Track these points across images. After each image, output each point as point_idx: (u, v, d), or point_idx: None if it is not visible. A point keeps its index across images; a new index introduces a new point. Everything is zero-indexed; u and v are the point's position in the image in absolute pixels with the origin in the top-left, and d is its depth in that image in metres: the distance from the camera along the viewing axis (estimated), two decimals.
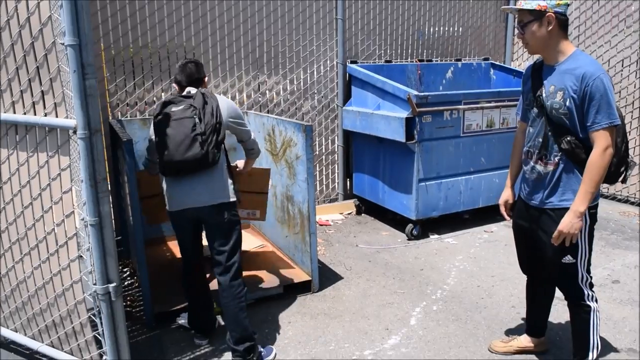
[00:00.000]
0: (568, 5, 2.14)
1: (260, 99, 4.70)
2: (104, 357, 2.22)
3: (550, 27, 2.11)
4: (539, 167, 2.26)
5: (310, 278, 3.40)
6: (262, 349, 2.68)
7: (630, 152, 5.17)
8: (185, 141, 2.37)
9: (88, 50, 1.94)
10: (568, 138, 2.15)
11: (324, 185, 5.20)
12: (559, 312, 3.14)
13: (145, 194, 2.94)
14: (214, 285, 2.80)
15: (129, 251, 3.80)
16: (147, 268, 2.91)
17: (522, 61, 6.00)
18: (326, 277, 3.63)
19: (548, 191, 2.25)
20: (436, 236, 4.45)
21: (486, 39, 5.93)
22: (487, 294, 3.39)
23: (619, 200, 5.36)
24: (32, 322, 2.46)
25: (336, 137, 5.12)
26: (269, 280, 3.39)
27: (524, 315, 2.77)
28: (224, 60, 4.46)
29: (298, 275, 3.47)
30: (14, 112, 2.23)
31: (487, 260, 3.92)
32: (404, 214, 4.39)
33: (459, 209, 4.48)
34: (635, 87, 5.07)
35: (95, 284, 2.13)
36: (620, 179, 2.29)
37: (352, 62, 4.93)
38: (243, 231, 4.14)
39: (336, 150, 5.16)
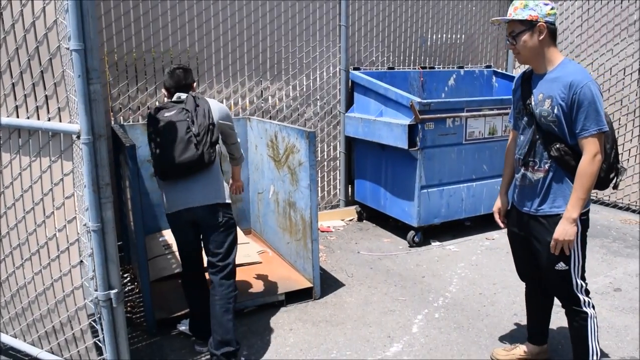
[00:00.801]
0: (556, 15, 2.18)
1: (263, 104, 4.70)
2: None
3: (541, 37, 2.15)
4: (530, 175, 2.29)
5: (311, 285, 3.39)
6: None
7: (633, 159, 5.23)
8: (180, 145, 2.41)
9: (93, 54, 1.94)
10: (557, 145, 2.17)
11: (326, 192, 5.19)
12: (561, 319, 3.12)
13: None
14: None
15: (130, 257, 3.78)
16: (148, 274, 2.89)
17: (523, 69, 6.00)
18: (327, 284, 3.62)
19: (539, 198, 2.27)
20: (438, 243, 4.44)
21: (488, 47, 5.95)
22: (489, 301, 3.38)
23: (620, 208, 5.35)
24: (32, 328, 2.44)
25: (338, 144, 5.12)
26: (270, 287, 3.37)
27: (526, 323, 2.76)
28: (227, 66, 4.46)
29: (299, 282, 3.45)
30: (18, 117, 2.22)
31: (489, 268, 3.91)
32: (405, 221, 4.37)
33: (460, 216, 4.47)
34: (636, 95, 5.08)
35: (96, 290, 2.12)
36: (611, 184, 2.31)
37: (354, 69, 4.93)
38: (245, 237, 4.15)
39: (338, 156, 5.15)
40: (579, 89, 2.06)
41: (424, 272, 3.85)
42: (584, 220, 2.24)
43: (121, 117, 4.09)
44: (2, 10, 2.13)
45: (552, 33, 2.17)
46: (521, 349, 2.69)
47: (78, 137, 2.00)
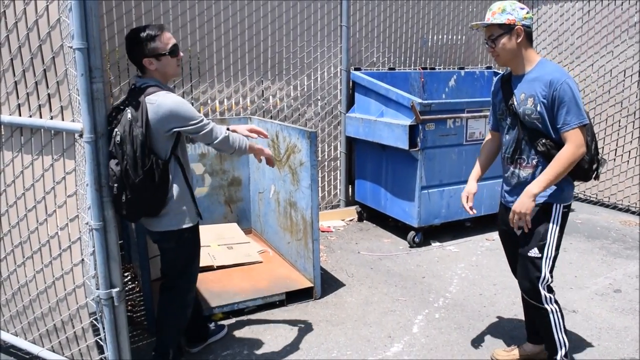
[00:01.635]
0: (532, 18, 2.30)
1: (264, 104, 4.71)
2: None
3: (519, 39, 2.25)
4: (519, 171, 2.38)
5: (312, 285, 3.39)
6: None
7: (633, 161, 5.23)
8: None
9: (96, 53, 1.94)
10: (543, 140, 2.27)
11: (326, 192, 5.19)
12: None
13: None
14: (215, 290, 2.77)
15: (130, 256, 3.78)
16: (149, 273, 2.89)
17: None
18: (328, 283, 3.62)
19: None
20: (438, 244, 4.44)
21: None
22: (489, 302, 3.38)
23: (620, 210, 5.36)
24: (33, 326, 2.44)
25: (339, 144, 5.13)
26: (271, 287, 3.37)
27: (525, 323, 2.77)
28: (228, 66, 4.46)
29: (300, 281, 3.46)
30: (20, 115, 2.23)
31: (489, 269, 3.91)
32: (406, 221, 4.38)
33: (461, 216, 4.47)
34: (636, 96, 5.08)
35: (98, 289, 2.12)
36: (594, 175, 2.39)
37: (355, 69, 4.94)
38: (246, 237, 4.15)
39: (339, 156, 5.16)
40: (559, 86, 2.16)
41: (424, 273, 3.86)
42: (564, 214, 2.33)
43: None
44: (5, 9, 2.13)
45: (528, 35, 2.28)
46: (522, 349, 2.70)
47: (80, 136, 2.01)
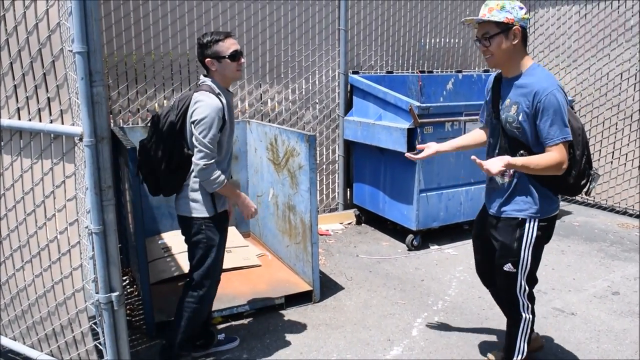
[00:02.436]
0: (529, 20, 2.18)
1: (262, 108, 4.71)
2: None
3: (515, 41, 2.14)
4: (498, 178, 2.33)
5: (311, 288, 3.39)
6: None
7: (630, 164, 5.25)
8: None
9: (96, 57, 1.94)
10: (522, 151, 2.20)
11: (324, 195, 5.20)
12: (560, 323, 3.14)
13: None
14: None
15: (129, 259, 3.77)
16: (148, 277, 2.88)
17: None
18: (327, 287, 3.62)
19: (503, 201, 2.32)
20: (436, 247, 4.45)
21: None
22: (488, 305, 3.38)
23: (617, 212, 5.38)
24: (31, 331, 2.43)
25: (337, 147, 5.13)
26: (270, 290, 3.37)
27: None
28: None
29: (299, 285, 3.45)
30: (19, 119, 2.22)
31: None
32: (404, 225, 4.38)
33: (459, 219, 4.48)
34: (633, 99, 5.11)
35: (97, 293, 2.11)
36: (585, 190, 2.33)
37: (354, 73, 4.95)
38: (244, 240, 4.15)
39: (337, 160, 5.16)
40: (544, 97, 2.07)
41: (423, 276, 3.86)
42: (542, 227, 2.27)
43: (121, 120, 4.09)
44: (5, 12, 2.13)
45: (524, 37, 2.18)
46: None
47: (80, 140, 2.00)
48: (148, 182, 2.50)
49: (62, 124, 2.11)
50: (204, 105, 2.30)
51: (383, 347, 2.88)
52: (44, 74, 2.10)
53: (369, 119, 4.56)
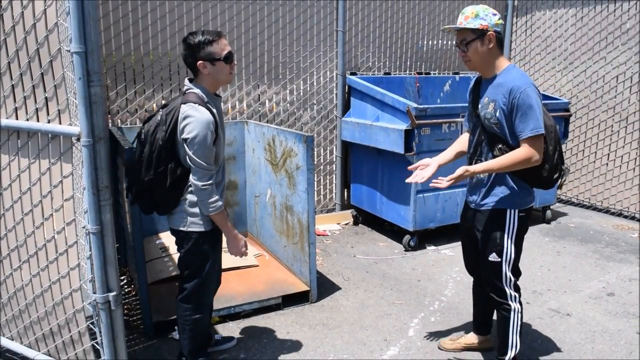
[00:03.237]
0: (502, 24, 2.33)
1: (260, 108, 4.72)
2: None
3: (490, 45, 2.28)
4: None
5: (308, 288, 3.40)
6: None
7: (625, 166, 5.29)
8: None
9: (94, 57, 1.94)
10: (500, 146, 2.31)
11: (322, 196, 5.20)
12: (555, 324, 3.15)
13: None
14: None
15: (126, 259, 3.77)
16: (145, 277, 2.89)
17: None
18: (324, 287, 3.62)
19: (483, 194, 2.43)
20: (433, 247, 4.46)
21: None
22: None
23: (612, 214, 5.40)
24: (29, 331, 2.43)
25: (334, 148, 5.14)
26: (267, 291, 3.37)
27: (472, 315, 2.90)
28: None
29: (296, 285, 3.46)
30: (17, 118, 2.22)
31: None
32: (401, 225, 4.40)
33: (456, 220, 4.49)
34: (629, 102, 5.14)
35: (95, 293, 2.11)
36: (557, 184, 2.45)
37: (351, 74, 4.96)
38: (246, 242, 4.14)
39: (334, 160, 5.17)
40: (519, 94, 2.19)
41: (420, 276, 3.87)
42: (520, 217, 2.37)
43: (119, 120, 4.09)
44: (2, 12, 2.14)
45: (499, 41, 2.31)
46: (466, 339, 2.85)
47: (78, 140, 2.00)
48: (140, 203, 2.35)
49: (60, 123, 2.11)
50: (195, 121, 2.12)
51: (380, 347, 2.89)
52: (42, 73, 2.10)
53: (366, 120, 4.57)
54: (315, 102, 4.99)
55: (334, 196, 5.25)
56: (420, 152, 4.11)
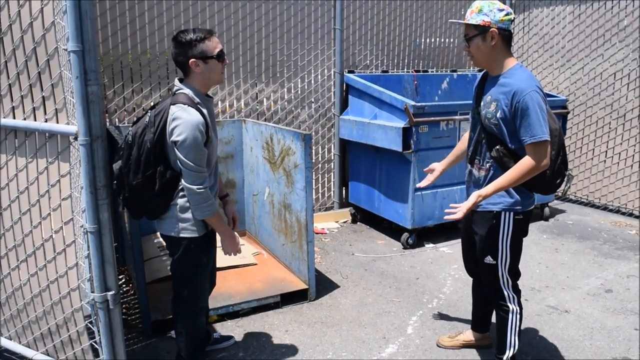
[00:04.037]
0: (512, 20, 2.23)
1: (257, 107, 4.71)
2: None
3: (493, 42, 2.20)
4: (475, 172, 2.40)
5: (307, 286, 3.40)
6: None
7: (623, 163, 5.29)
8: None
9: (91, 56, 1.94)
10: (498, 147, 2.26)
11: (320, 194, 5.21)
12: (553, 321, 3.16)
13: None
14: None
15: (125, 258, 3.77)
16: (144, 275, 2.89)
17: None
18: (323, 285, 3.63)
19: None
20: (431, 245, 4.47)
21: None
22: None
23: (610, 211, 5.42)
24: (27, 330, 2.43)
25: (332, 146, 5.14)
26: (266, 289, 3.38)
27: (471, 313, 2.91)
28: None
29: (295, 283, 3.46)
30: (14, 117, 2.22)
31: None
32: (399, 223, 4.40)
33: None
34: (627, 99, 5.15)
35: (93, 292, 2.11)
36: (559, 189, 2.37)
37: (349, 72, 4.96)
38: (240, 239, 4.14)
39: (332, 158, 5.17)
40: (522, 97, 2.12)
41: (418, 274, 3.88)
42: (516, 221, 2.33)
43: (116, 119, 4.08)
44: None
45: (505, 38, 2.22)
46: (465, 335, 2.85)
47: (75, 139, 2.00)
48: (129, 207, 2.26)
49: (57, 122, 2.11)
50: (184, 123, 2.05)
51: (378, 345, 2.89)
52: (39, 72, 2.10)
53: (364, 118, 4.57)
54: (313, 100, 4.99)
55: (332, 194, 5.25)
56: (418, 150, 4.12)
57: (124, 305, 3.27)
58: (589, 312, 3.28)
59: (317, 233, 4.74)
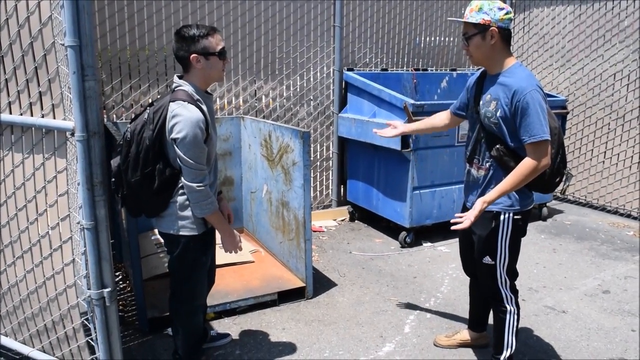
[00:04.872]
0: (512, 19, 2.22)
1: (256, 104, 4.70)
2: None
3: (493, 41, 2.18)
4: (474, 171, 2.39)
5: (304, 284, 3.39)
6: None
7: (621, 164, 5.29)
8: None
9: (89, 51, 1.92)
10: (498, 146, 2.25)
11: (318, 192, 5.20)
12: (551, 321, 3.16)
13: None
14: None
15: (122, 255, 3.75)
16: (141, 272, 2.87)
17: None
18: (320, 283, 3.62)
19: (479, 194, 2.35)
20: (429, 244, 4.47)
21: None
22: None
23: (608, 211, 5.42)
24: (23, 327, 2.42)
25: (331, 144, 5.13)
26: (263, 287, 3.37)
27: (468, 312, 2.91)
28: None
29: (292, 281, 3.46)
30: (10, 113, 2.20)
31: None
32: (397, 222, 4.39)
33: (452, 217, 4.47)
34: (626, 100, 5.15)
35: (89, 289, 2.10)
36: (559, 188, 2.37)
37: (348, 70, 4.95)
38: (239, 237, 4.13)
39: (331, 156, 5.17)
40: (522, 97, 2.11)
41: (416, 273, 3.88)
42: (515, 221, 2.31)
43: (114, 115, 4.06)
44: None
45: (505, 37, 2.21)
46: (462, 335, 2.86)
47: (72, 134, 1.99)
48: (127, 205, 2.25)
49: (54, 118, 2.09)
50: (183, 120, 2.03)
51: (375, 344, 2.89)
52: (36, 67, 2.08)
53: (363, 116, 4.56)
54: (312, 97, 4.97)
55: (330, 192, 5.24)
56: (417, 149, 4.11)
57: (120, 303, 3.25)
58: (586, 312, 3.28)
59: (314, 231, 4.73)
